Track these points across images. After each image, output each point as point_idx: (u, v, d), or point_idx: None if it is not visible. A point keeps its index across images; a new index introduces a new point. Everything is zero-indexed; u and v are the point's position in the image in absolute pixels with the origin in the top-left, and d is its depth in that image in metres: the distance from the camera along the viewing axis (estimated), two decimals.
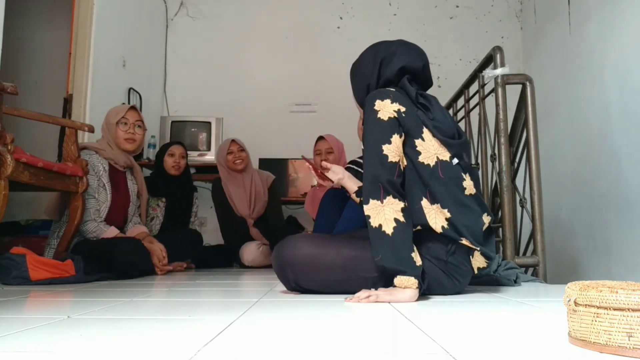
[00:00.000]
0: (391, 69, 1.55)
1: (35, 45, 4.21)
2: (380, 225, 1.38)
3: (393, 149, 1.42)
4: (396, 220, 1.37)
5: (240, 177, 3.36)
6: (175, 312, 1.21)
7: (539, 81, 3.06)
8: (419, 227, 1.44)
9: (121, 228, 2.51)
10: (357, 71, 1.64)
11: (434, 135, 1.47)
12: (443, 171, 1.45)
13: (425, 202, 1.44)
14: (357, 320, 1.10)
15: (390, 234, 1.36)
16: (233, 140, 3.36)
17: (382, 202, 1.39)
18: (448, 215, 1.43)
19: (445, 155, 1.46)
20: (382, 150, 1.42)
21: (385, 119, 1.43)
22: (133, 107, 2.58)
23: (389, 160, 1.42)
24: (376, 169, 1.41)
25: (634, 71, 2.75)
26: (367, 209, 1.40)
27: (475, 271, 1.52)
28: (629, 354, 0.68)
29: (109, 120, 2.51)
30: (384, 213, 1.38)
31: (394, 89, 1.51)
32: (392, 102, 1.45)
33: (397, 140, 1.43)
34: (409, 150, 1.46)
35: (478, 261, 1.51)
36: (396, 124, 1.43)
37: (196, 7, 4.61)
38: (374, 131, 1.44)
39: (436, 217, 1.43)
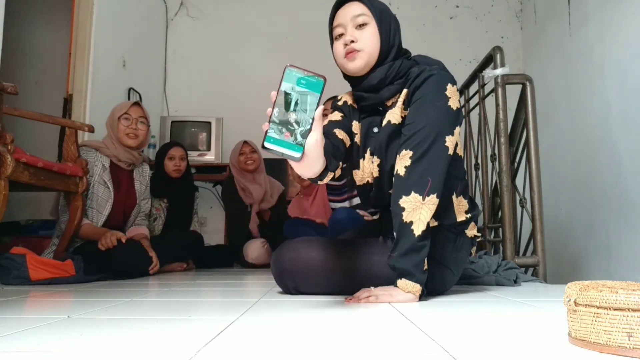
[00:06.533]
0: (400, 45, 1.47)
1: (35, 45, 4.21)
2: (411, 222, 1.27)
3: (453, 142, 1.33)
4: (427, 224, 1.29)
5: (251, 176, 3.43)
6: (175, 312, 1.21)
7: (539, 81, 3.06)
8: (435, 223, 1.38)
9: (120, 227, 2.50)
10: (391, 16, 1.51)
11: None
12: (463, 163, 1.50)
13: (454, 197, 1.42)
14: (357, 320, 1.09)
15: (417, 235, 1.27)
16: (245, 142, 3.43)
17: (423, 200, 1.27)
18: (467, 207, 1.46)
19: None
20: (445, 141, 1.31)
21: (454, 108, 1.33)
22: (137, 103, 2.56)
23: (449, 152, 1.31)
24: (433, 159, 1.29)
25: (634, 72, 2.75)
26: (405, 201, 1.28)
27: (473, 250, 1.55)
28: (629, 354, 0.68)
29: (113, 115, 2.51)
30: (421, 212, 1.27)
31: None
32: (457, 90, 1.35)
33: (457, 132, 1.35)
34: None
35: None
36: (460, 116, 1.35)
37: (196, 7, 4.61)
38: (442, 117, 1.31)
39: (460, 211, 1.44)
